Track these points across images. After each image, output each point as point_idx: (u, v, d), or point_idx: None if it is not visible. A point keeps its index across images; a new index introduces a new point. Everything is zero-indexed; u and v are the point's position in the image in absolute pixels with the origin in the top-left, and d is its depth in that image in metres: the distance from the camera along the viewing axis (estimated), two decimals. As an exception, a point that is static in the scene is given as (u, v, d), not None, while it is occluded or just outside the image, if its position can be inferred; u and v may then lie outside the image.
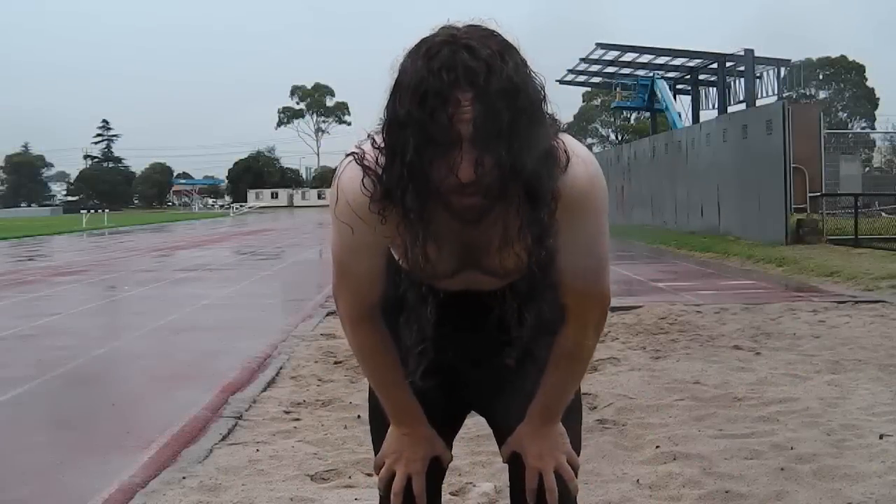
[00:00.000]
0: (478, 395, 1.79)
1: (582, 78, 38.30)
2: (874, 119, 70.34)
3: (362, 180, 1.49)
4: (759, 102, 25.98)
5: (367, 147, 1.52)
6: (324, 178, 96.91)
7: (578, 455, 1.73)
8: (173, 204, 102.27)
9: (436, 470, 1.75)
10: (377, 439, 1.77)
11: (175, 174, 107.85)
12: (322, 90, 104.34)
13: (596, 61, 33.74)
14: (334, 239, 1.60)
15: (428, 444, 1.69)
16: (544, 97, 1.47)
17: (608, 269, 1.64)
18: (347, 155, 1.55)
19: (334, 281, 1.65)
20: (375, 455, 1.78)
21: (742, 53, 27.92)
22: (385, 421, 1.74)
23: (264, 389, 5.23)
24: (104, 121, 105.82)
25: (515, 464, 1.70)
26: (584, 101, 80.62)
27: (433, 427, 1.73)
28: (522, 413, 1.68)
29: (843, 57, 71.51)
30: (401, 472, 1.68)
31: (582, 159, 1.53)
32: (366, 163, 1.50)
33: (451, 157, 1.39)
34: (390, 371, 1.67)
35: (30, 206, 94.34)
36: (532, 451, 1.66)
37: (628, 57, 32.87)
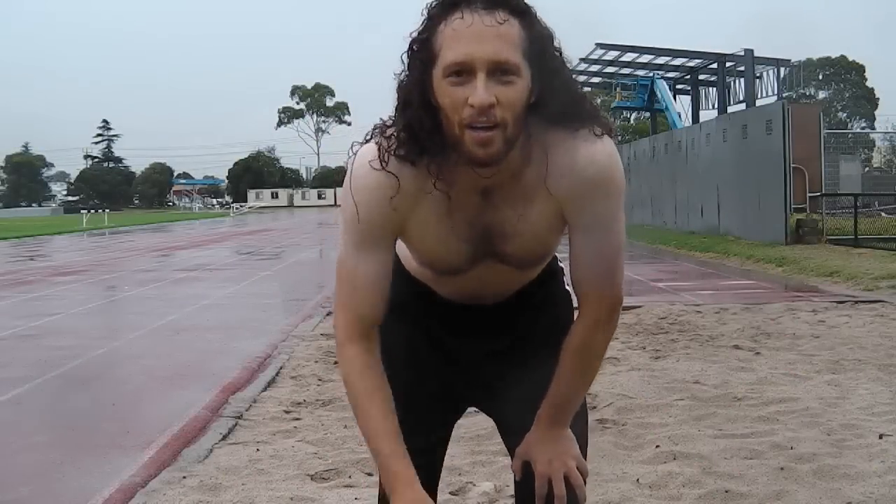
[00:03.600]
0: (483, 391, 1.78)
1: (582, 78, 38.28)
2: (874, 119, 70.44)
3: (374, 160, 1.49)
4: (758, 102, 25.99)
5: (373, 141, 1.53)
6: (324, 178, 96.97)
7: (585, 459, 1.72)
8: (174, 204, 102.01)
9: (432, 469, 1.75)
10: None
11: (175, 174, 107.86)
12: (322, 90, 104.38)
13: (596, 61, 33.75)
14: (342, 238, 1.56)
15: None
16: (562, 51, 1.49)
17: (622, 269, 1.61)
18: (356, 147, 1.55)
19: (336, 293, 1.59)
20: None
21: (742, 53, 27.93)
22: None
23: (264, 389, 5.23)
24: (104, 121, 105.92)
25: (524, 476, 1.68)
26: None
27: (427, 420, 1.73)
28: (529, 409, 1.68)
29: (843, 57, 71.56)
30: None
31: (606, 142, 1.53)
32: (378, 138, 1.50)
33: (469, 85, 1.39)
34: (381, 407, 1.55)
35: (31, 205, 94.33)
36: (541, 458, 1.63)
37: (628, 57, 32.88)
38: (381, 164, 1.47)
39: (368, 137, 1.53)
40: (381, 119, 1.52)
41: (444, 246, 1.56)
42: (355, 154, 1.53)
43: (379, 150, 1.48)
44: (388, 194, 1.49)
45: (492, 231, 1.55)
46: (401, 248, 1.71)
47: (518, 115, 1.41)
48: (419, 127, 1.44)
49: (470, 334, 1.74)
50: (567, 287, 1.84)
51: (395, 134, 1.47)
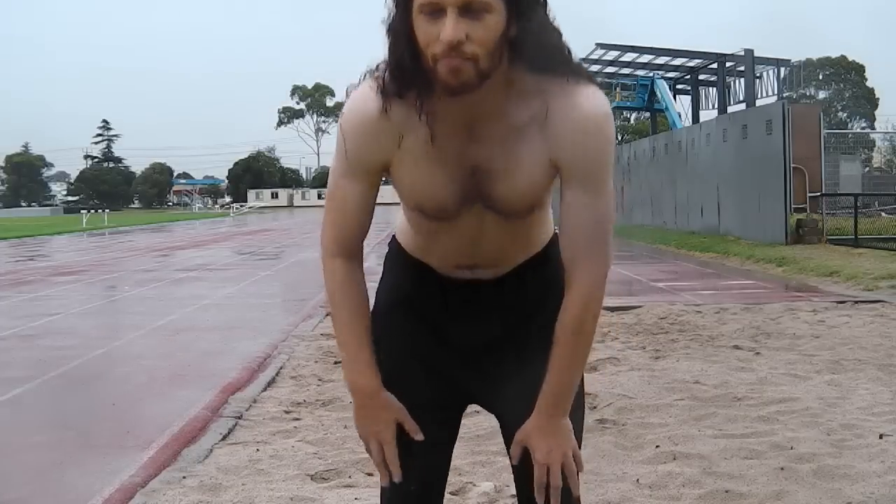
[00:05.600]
0: (485, 385, 1.78)
1: (582, 78, 38.20)
2: (874, 119, 70.50)
3: (365, 96, 1.55)
4: (759, 102, 25.99)
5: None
6: (324, 177, 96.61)
7: (580, 448, 1.73)
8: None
9: (435, 470, 1.76)
10: None
11: (175, 174, 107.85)
12: (322, 90, 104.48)
13: (596, 61, 33.73)
14: (332, 165, 1.64)
15: (387, 410, 1.68)
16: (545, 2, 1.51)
17: (611, 236, 1.62)
18: (351, 89, 1.61)
19: (324, 213, 1.68)
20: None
21: (742, 53, 27.93)
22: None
23: (264, 389, 5.23)
24: (104, 121, 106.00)
25: (522, 461, 1.70)
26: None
27: (428, 418, 1.73)
28: (529, 408, 1.68)
29: (843, 57, 71.60)
30: (375, 448, 1.68)
31: (601, 94, 1.56)
32: (369, 78, 1.56)
33: (441, 21, 1.42)
34: (354, 318, 1.67)
35: (31, 205, 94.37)
36: (541, 447, 1.65)
37: (628, 57, 32.89)
38: (374, 99, 1.54)
39: (362, 79, 1.58)
40: (374, 62, 1.58)
41: (431, 180, 1.58)
42: (357, 85, 1.60)
43: (372, 87, 1.55)
44: (375, 129, 1.55)
45: (479, 169, 1.56)
46: (401, 229, 1.76)
47: (491, 49, 1.45)
48: (405, 63, 1.49)
49: (469, 317, 1.74)
50: None
51: (384, 72, 1.53)
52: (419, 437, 1.70)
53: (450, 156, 1.56)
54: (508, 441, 1.75)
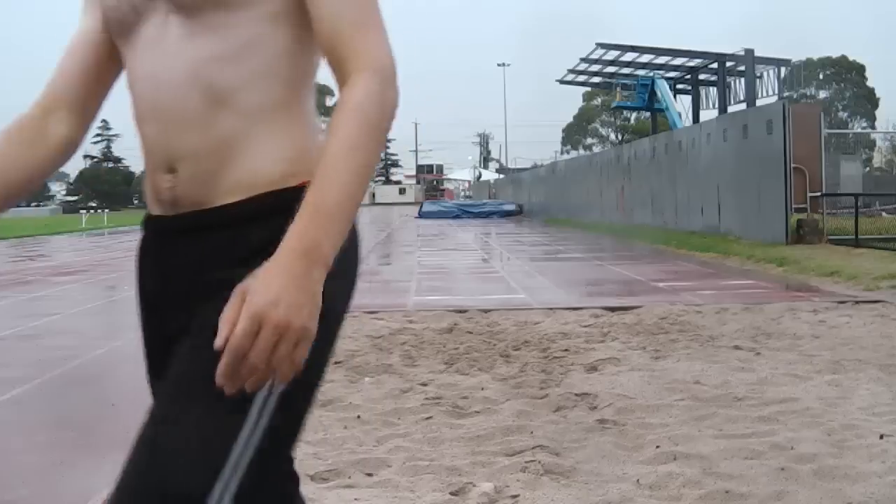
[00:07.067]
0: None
1: (582, 78, 38.40)
2: (874, 119, 70.46)
3: None
4: (759, 102, 26.01)
5: None
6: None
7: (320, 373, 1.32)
8: None
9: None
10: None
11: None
12: (322, 90, 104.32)
13: (596, 61, 33.82)
14: None
15: None
16: None
17: (381, 16, 1.30)
18: None
19: None
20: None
21: (742, 53, 27.99)
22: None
23: (264, 389, 5.22)
24: (104, 121, 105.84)
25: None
26: (584, 101, 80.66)
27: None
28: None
29: (843, 57, 71.58)
30: None
31: None
32: None
33: None
34: None
35: (30, 205, 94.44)
36: (262, 294, 1.05)
37: (628, 57, 32.96)
38: None
39: None
40: None
41: None
42: None
43: None
44: None
45: None
46: None
47: None
48: None
49: (164, 284, 1.35)
50: None
51: None
52: None
53: None
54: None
